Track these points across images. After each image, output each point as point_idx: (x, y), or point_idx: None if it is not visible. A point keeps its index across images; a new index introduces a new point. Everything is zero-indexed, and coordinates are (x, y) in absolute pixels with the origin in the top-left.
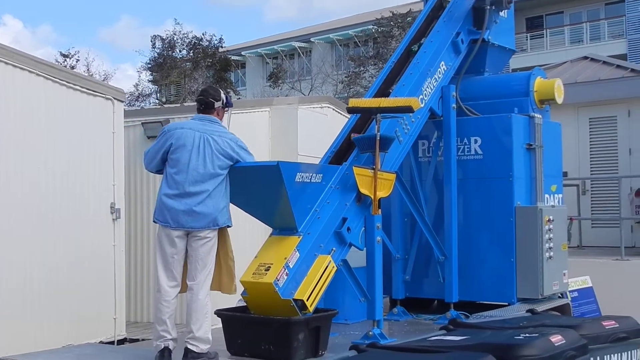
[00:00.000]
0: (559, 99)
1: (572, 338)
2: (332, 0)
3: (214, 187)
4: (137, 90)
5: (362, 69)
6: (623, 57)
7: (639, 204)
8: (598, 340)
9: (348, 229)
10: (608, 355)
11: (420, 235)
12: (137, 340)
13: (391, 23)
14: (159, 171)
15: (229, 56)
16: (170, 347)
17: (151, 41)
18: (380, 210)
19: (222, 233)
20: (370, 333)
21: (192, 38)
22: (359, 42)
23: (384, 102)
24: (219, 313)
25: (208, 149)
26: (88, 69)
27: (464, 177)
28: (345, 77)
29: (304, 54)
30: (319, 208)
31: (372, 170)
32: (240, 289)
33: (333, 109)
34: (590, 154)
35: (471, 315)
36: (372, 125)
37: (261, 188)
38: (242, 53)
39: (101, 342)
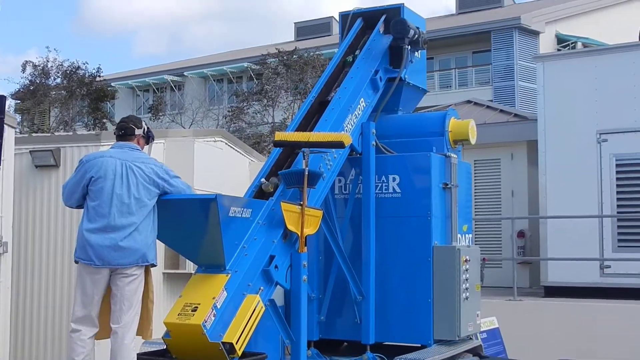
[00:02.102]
0: (473, 140)
1: None
2: (202, 38)
3: (141, 219)
4: None
5: (245, 104)
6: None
7: (521, 245)
8: None
9: (276, 266)
10: None
11: (336, 275)
12: None
13: (267, 62)
14: (80, 206)
15: (106, 86)
16: None
17: (21, 67)
18: (306, 248)
19: (145, 271)
20: None
21: (69, 66)
22: (233, 78)
23: (313, 136)
24: (140, 358)
25: (132, 177)
26: None
27: (382, 215)
28: (228, 111)
29: (176, 88)
30: (246, 244)
31: (300, 206)
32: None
33: (226, 143)
34: (475, 195)
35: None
36: (297, 160)
37: (193, 222)
38: (112, 84)
39: None
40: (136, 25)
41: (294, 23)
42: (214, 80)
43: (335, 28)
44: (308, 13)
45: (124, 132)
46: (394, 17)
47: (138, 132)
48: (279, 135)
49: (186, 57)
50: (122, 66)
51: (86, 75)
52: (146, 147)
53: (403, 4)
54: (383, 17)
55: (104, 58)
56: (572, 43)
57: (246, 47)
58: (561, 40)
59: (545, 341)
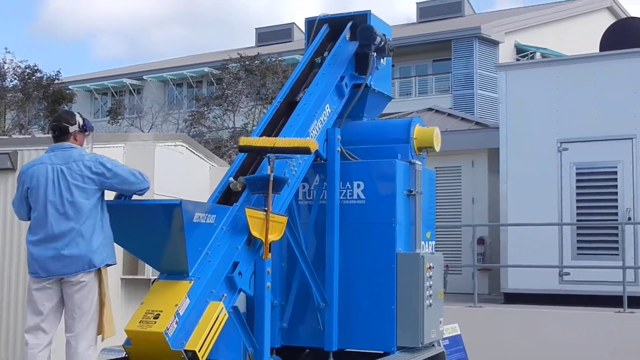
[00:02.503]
0: (437, 147)
1: None
2: (162, 42)
3: (82, 222)
4: None
5: (205, 109)
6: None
7: (481, 251)
8: None
9: (239, 273)
10: None
11: (299, 281)
12: None
13: (228, 67)
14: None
15: (64, 88)
16: None
17: None
18: (270, 254)
19: (100, 271)
20: None
21: (26, 68)
22: (193, 82)
23: (279, 142)
24: None
25: (63, 181)
26: None
27: (346, 222)
28: (189, 116)
29: (135, 92)
30: (210, 251)
31: (264, 212)
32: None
33: (187, 148)
34: (436, 202)
35: None
36: (262, 166)
37: (156, 228)
38: (70, 87)
39: None
40: (96, 29)
41: (255, 29)
42: (174, 85)
43: (297, 34)
44: (269, 19)
45: (58, 132)
46: (361, 24)
47: (73, 129)
48: (244, 141)
49: (146, 60)
50: (82, 69)
51: (44, 78)
52: (86, 140)
53: (370, 10)
54: (350, 24)
55: (63, 61)
56: (531, 53)
57: (207, 52)
58: (520, 50)
59: (505, 348)
